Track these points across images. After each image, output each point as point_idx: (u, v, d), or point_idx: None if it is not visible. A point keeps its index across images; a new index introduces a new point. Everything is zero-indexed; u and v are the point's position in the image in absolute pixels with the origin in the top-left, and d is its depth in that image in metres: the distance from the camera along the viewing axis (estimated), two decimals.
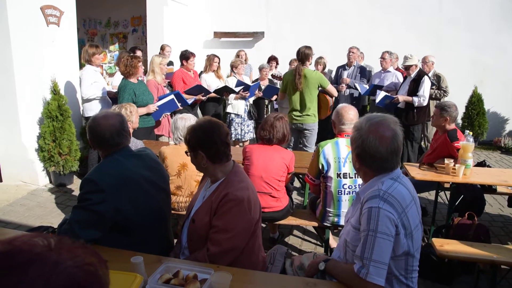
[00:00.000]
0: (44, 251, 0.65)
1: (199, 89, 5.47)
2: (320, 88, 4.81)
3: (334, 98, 5.12)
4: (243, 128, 6.22)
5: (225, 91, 5.71)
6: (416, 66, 5.36)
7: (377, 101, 5.55)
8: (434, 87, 5.80)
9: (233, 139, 6.20)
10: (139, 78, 4.68)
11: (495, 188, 3.89)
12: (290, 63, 6.74)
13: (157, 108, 4.54)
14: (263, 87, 6.36)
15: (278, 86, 6.48)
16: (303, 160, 3.80)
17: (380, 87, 5.79)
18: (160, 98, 4.84)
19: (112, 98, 5.16)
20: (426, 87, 5.21)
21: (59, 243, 0.68)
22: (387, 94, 5.59)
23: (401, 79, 5.92)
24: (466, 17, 7.85)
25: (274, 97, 6.60)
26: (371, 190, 1.67)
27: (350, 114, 3.01)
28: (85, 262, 0.67)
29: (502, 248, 2.73)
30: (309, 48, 4.74)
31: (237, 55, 7.11)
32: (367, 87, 6.08)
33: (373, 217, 1.57)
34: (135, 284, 1.46)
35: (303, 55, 4.70)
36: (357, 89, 6.08)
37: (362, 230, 1.61)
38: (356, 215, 1.71)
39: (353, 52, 6.33)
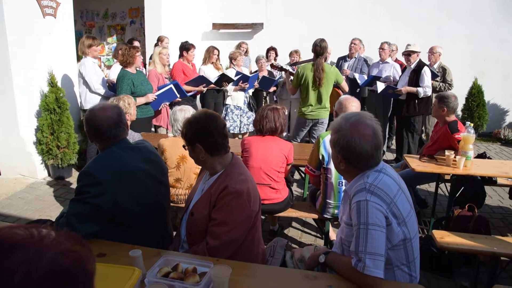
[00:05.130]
0: (26, 239, 0.65)
1: (200, 80, 5.43)
2: (334, 84, 4.76)
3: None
4: (243, 120, 6.18)
5: (223, 80, 5.67)
6: (417, 55, 5.32)
7: (379, 91, 5.52)
8: (438, 79, 5.73)
9: (233, 131, 6.17)
10: (138, 69, 4.65)
11: (496, 180, 3.88)
12: (290, 55, 6.67)
13: (156, 97, 4.51)
14: (260, 77, 6.31)
15: (280, 76, 6.41)
16: (302, 152, 3.78)
17: (378, 78, 5.76)
18: (159, 88, 4.82)
19: (110, 86, 5.14)
20: (428, 77, 5.18)
21: (42, 232, 0.68)
22: (389, 84, 5.56)
23: (399, 70, 5.89)
24: (467, 8, 7.79)
25: (273, 89, 6.55)
26: (357, 184, 1.67)
27: (353, 106, 3.00)
28: (68, 249, 0.67)
29: (503, 240, 2.72)
30: (325, 41, 4.57)
31: (239, 47, 7.04)
32: (366, 78, 6.05)
33: (363, 210, 1.58)
34: (133, 277, 1.45)
35: (321, 49, 4.52)
36: (357, 80, 6.04)
37: (354, 224, 1.62)
38: (347, 211, 1.71)
39: (355, 44, 6.25)
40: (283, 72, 6.27)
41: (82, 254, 0.68)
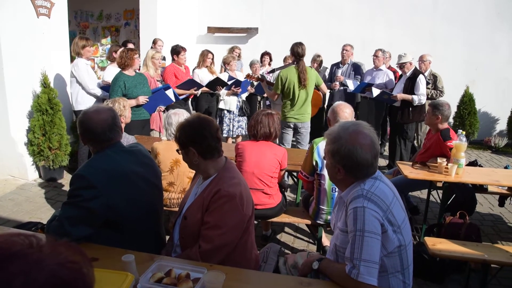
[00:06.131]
0: (25, 249, 0.63)
1: (191, 83, 5.43)
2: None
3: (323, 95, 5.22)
4: (235, 124, 6.19)
5: (217, 84, 5.67)
6: (411, 63, 5.37)
7: (374, 95, 5.55)
8: (429, 86, 5.80)
9: (225, 135, 6.17)
10: (137, 71, 4.61)
11: (487, 187, 3.92)
12: (285, 60, 6.69)
13: (147, 100, 4.48)
14: (255, 83, 6.33)
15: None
16: (295, 158, 3.78)
17: (371, 85, 5.80)
18: (152, 92, 4.79)
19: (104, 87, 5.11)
20: (423, 86, 5.24)
21: (41, 241, 0.66)
22: (385, 90, 5.61)
23: (392, 78, 5.95)
24: (460, 15, 7.89)
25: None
26: (353, 191, 1.68)
27: (345, 113, 3.01)
28: (68, 260, 0.65)
29: (494, 247, 2.75)
30: (303, 44, 4.68)
31: (232, 51, 7.05)
32: (358, 83, 6.08)
33: (359, 217, 1.58)
34: (126, 283, 1.43)
35: (303, 51, 4.61)
36: (347, 86, 6.06)
37: (350, 231, 1.62)
38: (342, 218, 1.71)
39: (346, 50, 6.28)
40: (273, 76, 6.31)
41: (81, 265, 0.66)
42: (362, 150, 1.66)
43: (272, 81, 5.50)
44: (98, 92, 4.94)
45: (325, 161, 2.90)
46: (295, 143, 5.02)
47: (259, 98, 7.02)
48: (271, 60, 7.25)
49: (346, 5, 8.36)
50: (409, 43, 7.22)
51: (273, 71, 6.50)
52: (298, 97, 4.66)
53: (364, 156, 1.66)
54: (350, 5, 8.34)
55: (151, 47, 6.02)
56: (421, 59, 5.95)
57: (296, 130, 4.85)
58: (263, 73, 6.69)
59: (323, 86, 5.06)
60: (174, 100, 4.86)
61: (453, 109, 7.29)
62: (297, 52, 4.61)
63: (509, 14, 7.74)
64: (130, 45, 6.08)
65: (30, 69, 4.78)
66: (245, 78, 5.76)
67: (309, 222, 3.24)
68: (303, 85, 4.60)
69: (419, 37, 7.85)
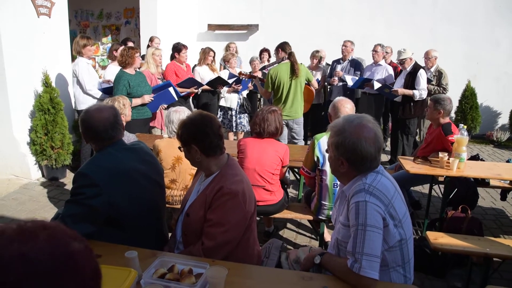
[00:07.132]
0: (21, 233, 0.64)
1: (191, 82, 5.43)
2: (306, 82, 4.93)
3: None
4: (236, 120, 6.20)
5: (218, 83, 5.67)
6: (411, 59, 5.35)
7: (375, 88, 5.54)
8: (433, 82, 5.75)
9: (226, 130, 6.19)
10: (137, 70, 4.63)
11: (488, 181, 3.92)
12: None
13: (152, 99, 4.49)
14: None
15: None
16: (296, 154, 3.79)
17: (369, 81, 5.78)
18: (153, 89, 4.80)
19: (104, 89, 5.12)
20: (423, 80, 5.22)
21: (38, 226, 0.67)
22: (386, 84, 5.60)
23: (392, 73, 5.92)
24: (460, 11, 7.87)
25: None
26: (355, 185, 1.68)
27: (346, 108, 3.01)
28: (68, 243, 0.67)
29: (495, 241, 2.75)
30: (288, 42, 4.84)
31: (228, 48, 7.05)
32: (357, 79, 6.07)
33: (361, 211, 1.58)
34: (129, 279, 1.45)
35: (290, 47, 4.72)
36: (346, 82, 6.04)
37: (352, 225, 1.62)
38: (344, 212, 1.72)
39: (346, 46, 6.27)
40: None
41: (83, 248, 0.68)
42: (366, 143, 1.66)
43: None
44: (96, 93, 4.94)
45: (327, 156, 2.92)
46: (289, 138, 5.05)
47: (259, 95, 7.02)
48: (270, 56, 7.22)
49: (346, 3, 8.34)
50: (410, 42, 7.19)
51: (263, 68, 6.50)
52: (288, 95, 4.70)
53: (368, 149, 1.66)
54: (350, 2, 8.33)
55: (148, 45, 6.02)
56: (426, 56, 5.81)
57: (289, 127, 4.89)
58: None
59: (314, 82, 5.20)
60: (176, 98, 4.88)
61: (455, 103, 7.27)
62: (288, 48, 4.73)
63: (508, 10, 7.71)
64: (130, 43, 6.09)
65: (31, 69, 4.79)
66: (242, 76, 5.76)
67: (311, 218, 3.25)
68: (296, 74, 4.63)
69: (419, 36, 7.82)
